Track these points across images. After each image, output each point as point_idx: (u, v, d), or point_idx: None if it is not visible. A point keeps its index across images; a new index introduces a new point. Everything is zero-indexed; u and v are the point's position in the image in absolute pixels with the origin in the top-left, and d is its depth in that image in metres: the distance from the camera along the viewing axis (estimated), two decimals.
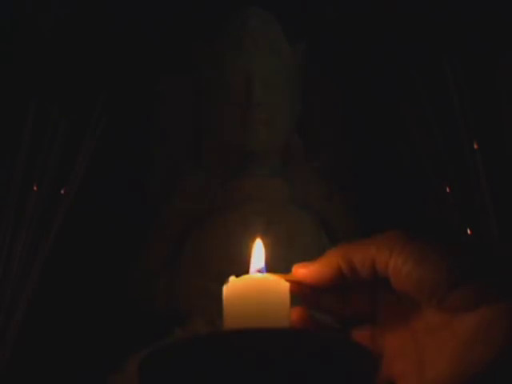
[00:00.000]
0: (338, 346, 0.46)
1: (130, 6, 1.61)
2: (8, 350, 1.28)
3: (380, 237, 0.49)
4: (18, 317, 1.30)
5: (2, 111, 1.46)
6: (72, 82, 1.53)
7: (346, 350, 0.46)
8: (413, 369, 0.49)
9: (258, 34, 1.48)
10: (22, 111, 1.41)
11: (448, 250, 0.46)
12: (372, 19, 1.60)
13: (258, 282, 0.52)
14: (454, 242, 0.47)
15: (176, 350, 0.45)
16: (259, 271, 0.54)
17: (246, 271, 0.54)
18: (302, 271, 0.52)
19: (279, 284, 0.52)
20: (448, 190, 1.37)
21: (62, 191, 1.39)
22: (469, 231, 1.32)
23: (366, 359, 0.47)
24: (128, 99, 1.54)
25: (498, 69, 1.38)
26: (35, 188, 1.36)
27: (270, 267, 0.55)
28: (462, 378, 0.45)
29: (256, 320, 0.49)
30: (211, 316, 1.31)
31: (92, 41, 1.58)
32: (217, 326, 1.29)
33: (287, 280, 0.53)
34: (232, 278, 0.52)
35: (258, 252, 0.55)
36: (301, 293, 0.53)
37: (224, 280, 0.52)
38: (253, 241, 0.57)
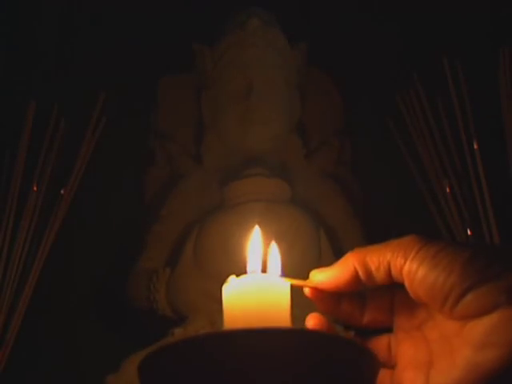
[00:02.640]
0: (338, 346, 0.46)
1: (131, 5, 1.61)
2: (8, 350, 1.28)
3: (395, 242, 0.49)
4: (18, 317, 1.30)
5: (2, 111, 1.46)
6: (72, 81, 1.53)
7: (347, 349, 0.46)
8: (423, 376, 0.49)
9: (259, 34, 1.48)
10: (22, 111, 1.41)
11: (461, 254, 0.46)
12: (372, 19, 1.60)
13: (258, 282, 0.52)
14: (467, 246, 0.47)
15: (176, 349, 0.45)
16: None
17: (247, 271, 0.54)
18: (319, 277, 0.52)
19: (279, 284, 0.52)
20: (448, 189, 1.37)
21: (62, 191, 1.39)
22: (469, 231, 1.32)
23: (367, 359, 0.47)
24: (128, 99, 1.54)
25: (498, 68, 1.38)
26: (35, 188, 1.36)
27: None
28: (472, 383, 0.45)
29: (256, 320, 0.49)
30: (211, 316, 1.31)
31: (92, 41, 1.59)
32: (217, 326, 1.29)
33: (305, 286, 0.53)
34: (232, 278, 0.52)
35: (274, 258, 0.55)
36: (318, 299, 0.53)
37: (224, 280, 0.52)
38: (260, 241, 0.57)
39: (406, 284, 0.48)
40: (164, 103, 1.58)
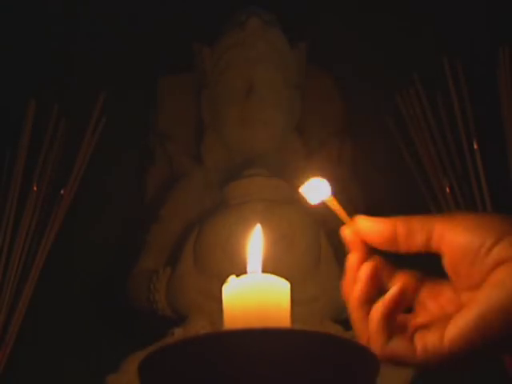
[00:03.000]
0: (338, 346, 0.46)
1: (131, 5, 1.61)
2: (8, 350, 1.28)
3: (440, 214, 0.54)
4: (18, 317, 1.30)
5: (2, 111, 1.46)
6: (72, 81, 1.53)
7: (347, 349, 0.46)
8: (437, 336, 0.49)
9: (259, 33, 1.48)
10: (22, 111, 1.41)
11: (495, 215, 0.50)
12: (372, 19, 1.60)
13: (258, 282, 0.52)
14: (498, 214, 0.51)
15: (176, 350, 0.45)
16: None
17: (247, 271, 0.54)
18: (366, 224, 0.53)
19: (279, 284, 0.52)
20: (448, 190, 1.37)
21: (62, 191, 1.39)
22: None
23: (367, 358, 0.47)
24: (128, 99, 1.54)
25: (498, 68, 1.38)
26: (35, 188, 1.36)
27: (269, 267, 0.54)
28: (485, 330, 0.47)
29: (256, 320, 0.49)
30: (211, 316, 1.31)
31: (92, 40, 1.58)
32: (217, 326, 1.29)
33: (348, 223, 0.53)
34: (232, 278, 0.52)
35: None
36: (354, 245, 0.53)
37: (224, 280, 0.52)
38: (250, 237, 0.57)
39: (443, 249, 0.50)
40: (164, 103, 1.58)
